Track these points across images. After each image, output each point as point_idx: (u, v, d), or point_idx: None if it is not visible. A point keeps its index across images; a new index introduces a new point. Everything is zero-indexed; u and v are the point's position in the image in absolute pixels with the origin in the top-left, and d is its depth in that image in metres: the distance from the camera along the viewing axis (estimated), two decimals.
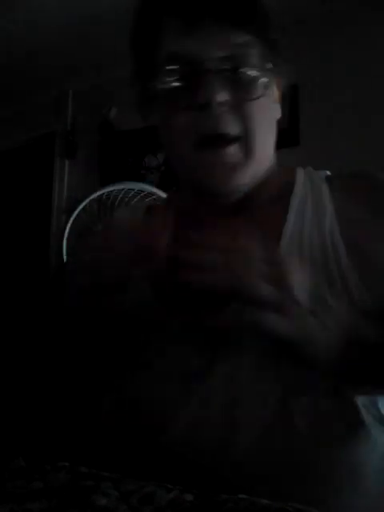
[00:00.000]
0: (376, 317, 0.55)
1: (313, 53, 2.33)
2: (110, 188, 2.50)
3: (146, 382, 0.61)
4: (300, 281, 0.48)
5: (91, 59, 2.79)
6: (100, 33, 2.57)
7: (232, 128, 0.57)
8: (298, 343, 0.48)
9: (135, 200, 2.44)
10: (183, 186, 0.70)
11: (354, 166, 1.93)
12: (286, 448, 0.54)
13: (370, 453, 0.55)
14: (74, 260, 0.78)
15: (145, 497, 0.34)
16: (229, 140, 0.58)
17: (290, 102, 2.30)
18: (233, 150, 0.58)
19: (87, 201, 2.53)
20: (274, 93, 0.64)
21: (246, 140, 0.58)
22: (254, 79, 0.58)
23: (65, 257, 2.50)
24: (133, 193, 2.47)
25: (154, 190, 2.47)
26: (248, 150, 0.59)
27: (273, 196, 0.64)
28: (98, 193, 2.51)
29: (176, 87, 0.58)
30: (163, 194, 2.42)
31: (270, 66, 0.59)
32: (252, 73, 0.58)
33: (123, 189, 2.47)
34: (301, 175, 0.65)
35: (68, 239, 2.53)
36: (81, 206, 2.54)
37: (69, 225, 2.55)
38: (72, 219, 2.55)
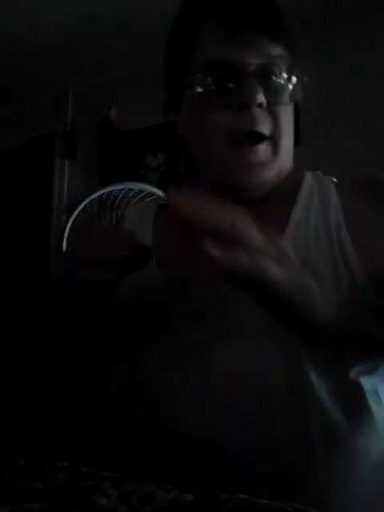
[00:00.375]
0: (378, 305, 0.56)
1: (316, 53, 2.33)
2: (110, 188, 2.50)
3: (148, 365, 0.62)
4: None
5: (91, 59, 2.79)
6: (100, 33, 2.57)
7: (265, 128, 0.63)
8: (296, 298, 0.47)
9: (135, 200, 2.44)
10: (207, 181, 0.71)
11: (356, 166, 1.94)
12: (287, 434, 0.55)
13: (372, 445, 0.55)
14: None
15: (145, 497, 0.34)
16: (262, 138, 0.63)
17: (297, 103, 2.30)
18: (263, 148, 0.63)
19: (87, 201, 2.53)
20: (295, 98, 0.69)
21: (274, 140, 0.64)
22: (284, 87, 0.64)
23: None
24: (133, 193, 2.46)
25: (154, 190, 2.47)
26: (275, 149, 0.64)
27: (283, 193, 0.68)
28: (98, 193, 2.51)
29: (213, 89, 0.63)
30: (163, 194, 2.42)
31: (295, 78, 0.65)
32: (282, 81, 0.64)
33: (123, 189, 2.47)
34: (309, 175, 0.70)
35: (68, 239, 2.53)
36: (81, 206, 2.54)
37: (69, 225, 2.55)
38: (72, 219, 2.55)
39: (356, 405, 0.57)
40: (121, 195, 2.47)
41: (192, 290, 0.62)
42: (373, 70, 2.26)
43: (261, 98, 0.61)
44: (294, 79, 0.65)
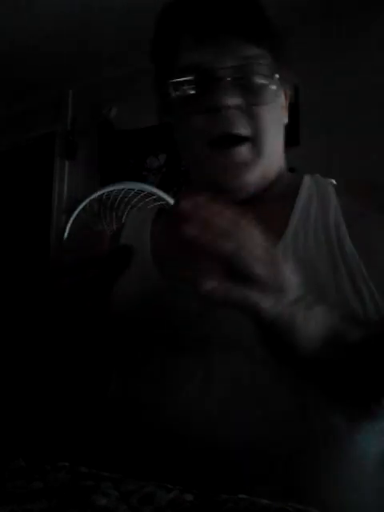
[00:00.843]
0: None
1: (313, 54, 2.33)
2: (110, 188, 2.50)
3: (148, 365, 0.63)
4: (290, 275, 0.49)
5: (91, 59, 2.79)
6: (100, 33, 2.57)
7: (242, 129, 0.63)
8: (279, 328, 0.47)
9: (135, 200, 2.44)
10: (196, 183, 0.73)
11: (354, 166, 1.94)
12: (285, 434, 0.55)
13: (372, 445, 0.55)
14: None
15: (145, 497, 0.34)
16: (239, 140, 0.63)
17: (290, 102, 2.30)
18: (243, 150, 0.63)
19: (87, 201, 2.53)
20: (282, 101, 0.69)
21: (255, 141, 0.64)
22: (263, 87, 0.64)
23: None
24: (133, 193, 2.47)
25: (154, 190, 2.47)
26: (257, 150, 0.64)
27: (280, 195, 0.68)
28: (98, 193, 2.51)
29: (191, 94, 0.64)
30: (163, 194, 2.42)
31: (277, 76, 0.65)
32: (261, 81, 0.64)
33: (123, 189, 2.48)
34: (308, 178, 0.70)
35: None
36: (81, 206, 2.55)
37: (69, 225, 2.55)
38: (72, 219, 2.55)
39: (357, 404, 0.57)
40: (121, 195, 2.48)
41: (192, 292, 0.63)
42: (369, 70, 2.26)
43: (233, 100, 0.61)
44: (276, 78, 0.65)
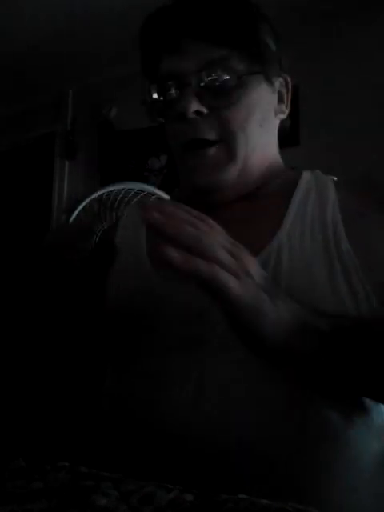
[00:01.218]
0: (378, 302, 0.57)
1: (313, 54, 2.33)
2: (110, 188, 2.50)
3: (142, 363, 0.63)
4: (256, 266, 0.49)
5: (91, 59, 2.79)
6: (100, 33, 2.57)
7: (209, 134, 0.63)
8: (247, 313, 0.47)
9: (135, 200, 2.44)
10: (182, 185, 0.74)
11: (354, 166, 1.94)
12: (281, 435, 0.55)
13: (370, 444, 0.55)
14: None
15: (145, 497, 0.34)
16: (208, 143, 0.64)
17: (290, 102, 2.30)
18: (212, 152, 0.64)
19: (87, 201, 2.53)
20: (269, 97, 0.68)
21: (226, 143, 0.64)
22: (231, 87, 0.63)
23: None
24: (133, 193, 2.46)
25: (155, 190, 2.46)
26: (229, 151, 0.64)
27: (277, 192, 0.68)
28: (98, 193, 2.51)
29: (165, 101, 0.66)
30: (164, 194, 2.42)
31: (246, 73, 0.64)
32: (228, 82, 0.63)
33: (123, 189, 2.47)
34: (307, 174, 0.70)
35: None
36: (81, 206, 2.54)
37: None
38: (72, 219, 2.54)
39: (353, 404, 0.57)
40: (121, 195, 2.47)
41: (187, 289, 0.63)
42: (369, 70, 2.26)
43: (195, 106, 0.62)
44: (244, 77, 0.64)
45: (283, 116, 0.71)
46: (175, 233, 0.44)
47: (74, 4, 2.35)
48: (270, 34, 0.67)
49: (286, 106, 0.71)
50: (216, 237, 0.47)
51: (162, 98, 0.67)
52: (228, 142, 0.64)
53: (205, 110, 0.63)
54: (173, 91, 0.65)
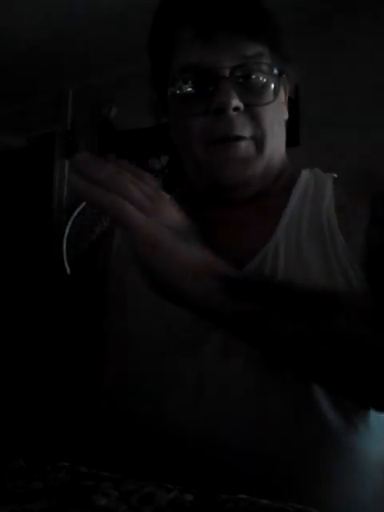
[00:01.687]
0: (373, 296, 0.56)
1: (313, 53, 2.33)
2: None
3: (139, 363, 0.63)
4: (173, 209, 0.49)
5: (91, 59, 2.79)
6: (100, 33, 2.57)
7: (245, 130, 0.62)
8: (149, 247, 0.46)
9: None
10: (195, 185, 0.72)
11: (354, 166, 1.94)
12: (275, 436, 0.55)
13: (369, 445, 0.55)
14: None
15: (145, 497, 0.34)
16: (240, 138, 0.62)
17: (290, 102, 2.30)
18: (244, 146, 0.62)
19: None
20: (282, 96, 0.68)
21: (256, 139, 0.63)
22: (264, 86, 0.63)
23: (65, 257, 2.51)
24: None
25: None
26: (259, 148, 0.63)
27: (281, 190, 0.68)
28: None
29: (191, 94, 0.63)
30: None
31: (278, 73, 0.64)
32: (262, 80, 0.63)
33: None
34: (306, 172, 0.70)
35: (68, 239, 2.53)
36: (81, 206, 2.55)
37: (69, 225, 2.55)
38: (72, 219, 2.55)
39: (354, 405, 0.56)
40: None
41: None
42: (369, 70, 2.26)
43: (235, 102, 0.60)
44: (276, 76, 0.64)
45: (286, 117, 0.71)
46: (93, 171, 0.45)
47: (74, 4, 2.35)
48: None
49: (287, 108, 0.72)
50: (135, 180, 0.46)
51: (189, 91, 0.63)
52: (259, 139, 0.63)
53: (242, 107, 0.61)
54: (199, 85, 0.62)
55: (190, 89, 0.63)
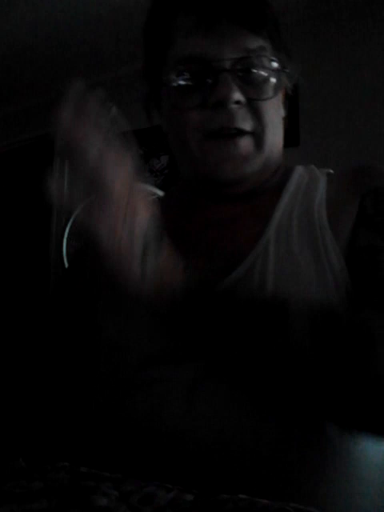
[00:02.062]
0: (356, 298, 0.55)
1: (313, 53, 2.33)
2: None
3: (130, 365, 0.61)
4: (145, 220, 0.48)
5: (91, 59, 2.79)
6: (100, 33, 2.57)
7: (246, 124, 0.60)
8: (116, 256, 0.46)
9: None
10: (190, 181, 0.70)
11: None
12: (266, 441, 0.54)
13: (369, 445, 0.55)
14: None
15: (145, 497, 0.34)
16: (241, 133, 0.60)
17: (290, 102, 2.30)
18: (244, 141, 0.61)
19: (87, 201, 2.53)
20: (281, 92, 0.66)
21: (256, 135, 0.61)
22: (265, 80, 0.61)
23: (65, 257, 2.51)
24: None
25: (155, 189, 2.47)
26: (258, 144, 0.62)
27: (275, 187, 0.66)
28: None
29: (188, 86, 0.60)
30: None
31: (279, 69, 0.62)
32: (263, 75, 0.61)
33: None
34: (299, 169, 0.68)
35: (68, 239, 2.53)
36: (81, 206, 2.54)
37: (69, 225, 2.55)
38: (72, 219, 2.55)
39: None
40: None
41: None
42: (369, 70, 2.26)
43: (237, 95, 0.58)
44: (277, 72, 0.62)
45: (283, 114, 0.69)
46: (80, 150, 0.45)
47: (74, 4, 2.35)
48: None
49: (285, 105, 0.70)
50: (117, 170, 0.46)
51: (186, 83, 0.60)
52: (259, 134, 0.61)
53: (244, 101, 0.59)
54: (198, 76, 0.60)
55: (187, 80, 0.60)
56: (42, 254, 3.06)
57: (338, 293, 0.56)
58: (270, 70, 0.61)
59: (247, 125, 0.60)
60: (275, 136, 0.65)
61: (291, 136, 2.49)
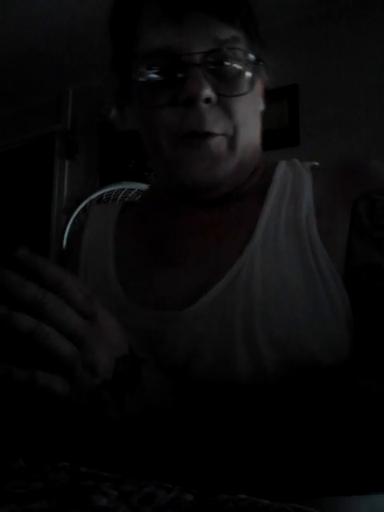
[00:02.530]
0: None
1: (313, 53, 2.33)
2: (110, 188, 2.50)
3: None
4: (111, 341, 0.44)
5: (91, 59, 2.79)
6: (100, 33, 2.57)
7: (218, 126, 0.56)
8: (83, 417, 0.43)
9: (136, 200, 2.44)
10: (164, 185, 0.67)
11: None
12: None
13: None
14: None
15: (145, 497, 0.34)
16: (210, 134, 0.56)
17: (290, 102, 2.31)
18: (216, 142, 0.57)
19: (87, 201, 2.53)
20: (258, 86, 0.62)
21: (229, 135, 0.58)
22: (239, 74, 0.57)
23: None
24: (133, 193, 2.46)
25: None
26: (231, 144, 0.58)
27: (255, 189, 0.63)
28: (98, 193, 2.51)
29: (157, 81, 0.56)
30: None
31: (254, 61, 0.58)
32: (237, 68, 0.57)
33: (123, 189, 2.47)
34: (281, 167, 0.65)
35: (68, 239, 2.53)
36: (81, 206, 2.54)
37: (69, 225, 2.55)
38: (72, 219, 2.55)
39: None
40: (121, 195, 2.47)
41: (158, 316, 0.58)
42: (368, 70, 2.26)
43: (207, 92, 0.54)
44: (252, 64, 0.57)
45: (262, 108, 0.65)
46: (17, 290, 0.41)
47: (74, 4, 2.35)
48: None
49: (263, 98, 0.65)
50: (65, 308, 0.42)
51: (156, 78, 0.56)
52: (232, 135, 0.57)
53: (215, 98, 0.55)
54: (167, 71, 0.55)
55: (156, 75, 0.56)
56: (42, 253, 3.06)
57: (329, 301, 0.54)
58: (243, 62, 0.57)
59: (218, 126, 0.56)
60: (250, 135, 0.60)
61: (291, 136, 2.49)
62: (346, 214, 0.57)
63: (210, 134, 0.56)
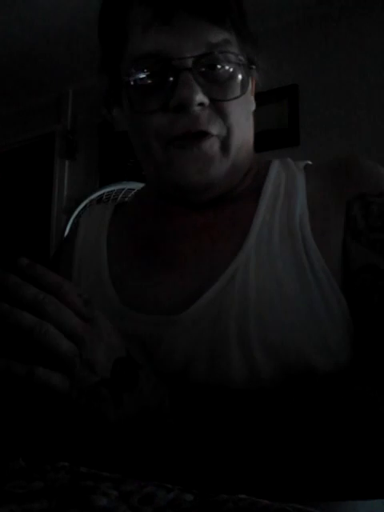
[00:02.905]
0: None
1: (313, 53, 2.33)
2: (110, 188, 2.50)
3: None
4: (107, 343, 0.44)
5: (91, 59, 2.79)
6: None
7: (210, 127, 0.56)
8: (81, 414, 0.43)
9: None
10: (154, 184, 0.67)
11: None
12: None
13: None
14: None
15: (145, 497, 0.34)
16: (206, 135, 0.56)
17: (290, 102, 2.31)
18: (209, 144, 0.56)
19: (87, 201, 2.53)
20: (250, 87, 0.61)
21: (222, 137, 0.57)
22: (231, 77, 0.56)
23: None
24: (133, 193, 2.46)
25: None
26: (224, 145, 0.57)
27: (248, 190, 0.63)
28: (98, 193, 2.51)
29: (148, 85, 0.55)
30: None
31: (246, 63, 0.58)
32: (229, 70, 0.56)
33: (123, 189, 2.47)
34: (275, 167, 0.64)
35: None
36: (81, 206, 2.54)
37: (69, 225, 2.55)
38: (72, 219, 2.55)
39: None
40: (121, 195, 2.47)
41: (153, 320, 0.58)
42: (368, 70, 2.26)
43: (200, 97, 0.53)
44: (244, 66, 0.57)
45: (253, 108, 0.64)
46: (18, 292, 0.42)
47: (74, 4, 2.35)
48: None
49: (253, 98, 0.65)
50: (62, 309, 0.42)
51: (146, 82, 0.55)
52: (224, 137, 0.57)
53: (207, 102, 0.54)
54: (157, 75, 0.54)
55: (146, 79, 0.55)
56: (42, 253, 3.06)
57: (325, 303, 0.53)
58: (235, 65, 0.56)
59: (212, 127, 0.55)
60: (244, 136, 0.60)
61: (291, 136, 2.49)
62: (339, 214, 0.57)
63: (203, 135, 0.55)
